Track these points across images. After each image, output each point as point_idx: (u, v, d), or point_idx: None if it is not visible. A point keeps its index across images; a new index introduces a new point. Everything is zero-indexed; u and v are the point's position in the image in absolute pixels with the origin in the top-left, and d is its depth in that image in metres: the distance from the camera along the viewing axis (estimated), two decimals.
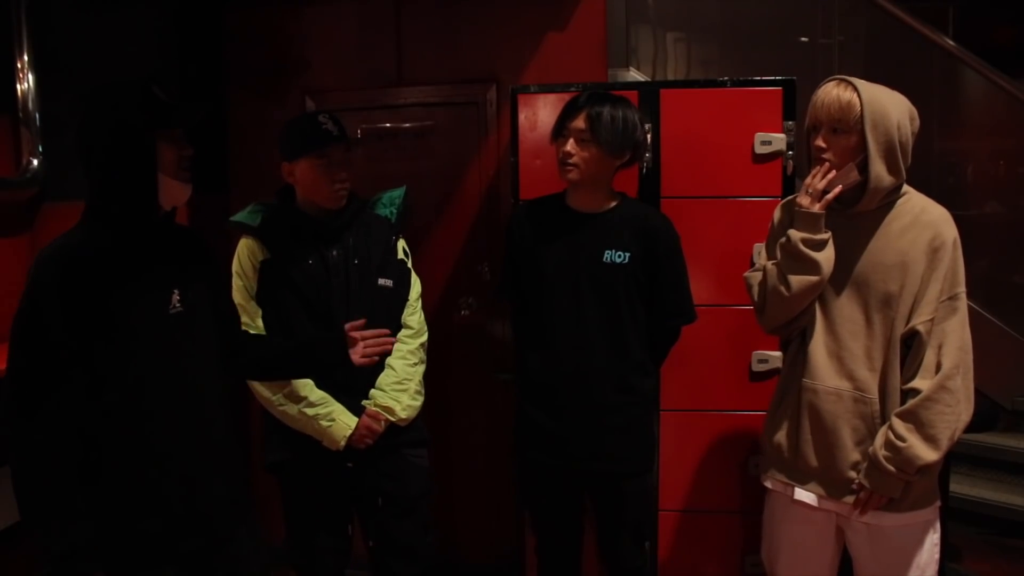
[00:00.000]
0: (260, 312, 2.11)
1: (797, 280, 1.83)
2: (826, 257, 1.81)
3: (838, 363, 1.84)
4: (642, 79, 3.28)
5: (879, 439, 1.78)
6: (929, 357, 1.76)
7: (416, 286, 2.28)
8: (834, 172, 1.80)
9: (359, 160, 2.62)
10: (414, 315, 2.24)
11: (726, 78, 2.42)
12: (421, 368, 2.23)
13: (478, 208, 2.98)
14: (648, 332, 2.13)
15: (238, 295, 2.10)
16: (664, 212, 2.24)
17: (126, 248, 1.60)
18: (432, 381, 2.29)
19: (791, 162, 2.36)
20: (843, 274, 1.84)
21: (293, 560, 2.23)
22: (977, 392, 1.84)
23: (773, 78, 2.39)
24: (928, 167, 3.77)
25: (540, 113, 2.47)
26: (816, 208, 1.81)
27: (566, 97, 2.35)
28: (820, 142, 1.81)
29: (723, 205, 2.41)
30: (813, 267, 1.81)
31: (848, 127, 1.77)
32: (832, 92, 1.79)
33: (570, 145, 2.02)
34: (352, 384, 2.11)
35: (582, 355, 2.08)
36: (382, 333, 1.98)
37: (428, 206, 2.95)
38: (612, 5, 2.93)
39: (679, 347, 2.23)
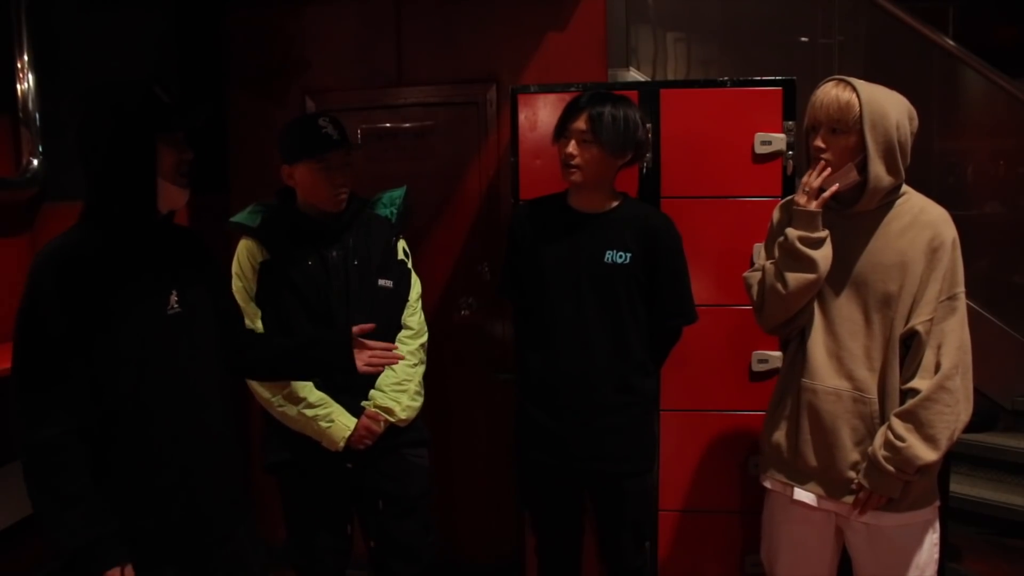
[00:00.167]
0: (260, 313, 2.11)
1: (794, 278, 1.83)
2: (823, 255, 1.81)
3: (837, 363, 1.84)
4: (642, 79, 3.28)
5: (878, 439, 1.78)
6: (928, 357, 1.76)
7: (416, 286, 2.28)
8: (829, 170, 1.81)
9: (359, 160, 2.62)
10: (414, 315, 2.24)
11: (726, 78, 2.42)
12: (421, 369, 2.23)
13: (478, 208, 2.98)
14: (649, 332, 2.13)
15: (237, 296, 2.09)
16: (664, 212, 2.24)
17: (124, 249, 1.60)
18: (432, 381, 2.29)
19: (791, 162, 2.36)
20: (842, 274, 1.85)
21: (293, 560, 2.23)
22: (977, 392, 1.84)
23: (773, 78, 2.39)
24: (928, 167, 3.78)
25: (540, 113, 2.47)
26: (813, 206, 1.81)
27: (566, 97, 2.35)
28: (819, 142, 1.81)
29: (723, 205, 2.41)
30: (810, 265, 1.81)
31: (847, 127, 1.77)
32: (831, 92, 1.79)
33: (572, 146, 2.02)
34: (352, 385, 2.11)
35: (583, 355, 2.08)
36: (389, 347, 1.96)
37: (428, 206, 2.95)
38: (612, 5, 2.93)
39: (679, 347, 2.23)
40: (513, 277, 2.21)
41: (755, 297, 1.97)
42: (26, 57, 2.77)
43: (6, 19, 2.74)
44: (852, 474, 1.82)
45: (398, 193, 2.31)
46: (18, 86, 2.77)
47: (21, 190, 2.81)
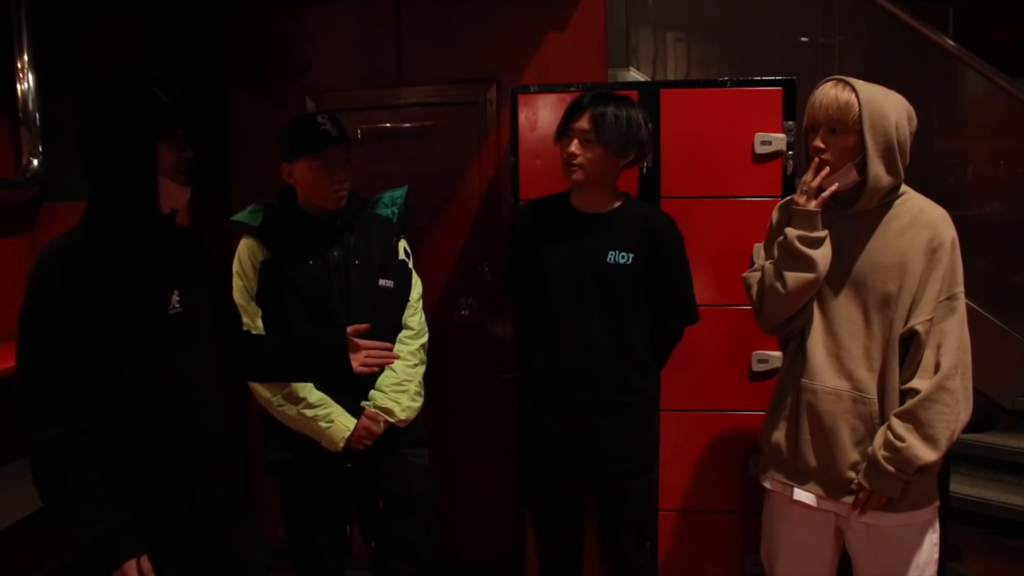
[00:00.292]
0: (260, 312, 2.11)
1: (793, 277, 1.83)
2: (822, 255, 1.81)
3: (837, 363, 1.84)
4: (642, 79, 3.28)
5: (878, 439, 1.78)
6: (928, 357, 1.76)
7: (417, 287, 2.28)
8: (828, 170, 1.81)
9: (359, 160, 2.62)
10: (415, 316, 2.24)
11: (726, 78, 2.42)
12: (421, 369, 2.23)
13: (478, 208, 2.98)
14: (651, 332, 2.13)
15: (238, 295, 2.10)
16: (666, 212, 2.24)
17: (126, 249, 1.60)
18: (432, 381, 2.29)
19: (791, 162, 2.36)
20: (841, 274, 1.85)
21: (293, 560, 2.23)
22: (977, 392, 1.84)
23: (773, 78, 2.39)
24: (928, 167, 3.78)
25: (540, 113, 2.47)
26: (812, 206, 1.81)
27: (566, 97, 2.35)
28: (819, 142, 1.81)
29: (723, 205, 2.41)
30: (809, 264, 1.81)
31: (847, 127, 1.77)
32: (830, 93, 1.79)
33: (574, 146, 2.02)
34: (351, 385, 2.10)
35: (585, 355, 2.08)
36: (385, 346, 1.96)
37: (428, 206, 2.95)
38: (612, 5, 2.93)
39: (679, 347, 2.24)
40: (516, 277, 2.21)
41: (754, 297, 1.97)
42: (26, 57, 2.77)
43: (6, 19, 2.74)
44: (852, 474, 1.82)
45: (399, 193, 2.31)
46: (18, 86, 2.77)
47: (21, 190, 2.82)
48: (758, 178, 2.38)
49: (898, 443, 1.74)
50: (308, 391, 2.09)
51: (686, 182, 2.41)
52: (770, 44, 3.82)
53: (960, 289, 1.78)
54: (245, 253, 2.13)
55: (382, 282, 2.17)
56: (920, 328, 1.76)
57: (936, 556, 1.85)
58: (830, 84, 1.81)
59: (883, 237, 1.82)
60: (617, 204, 2.12)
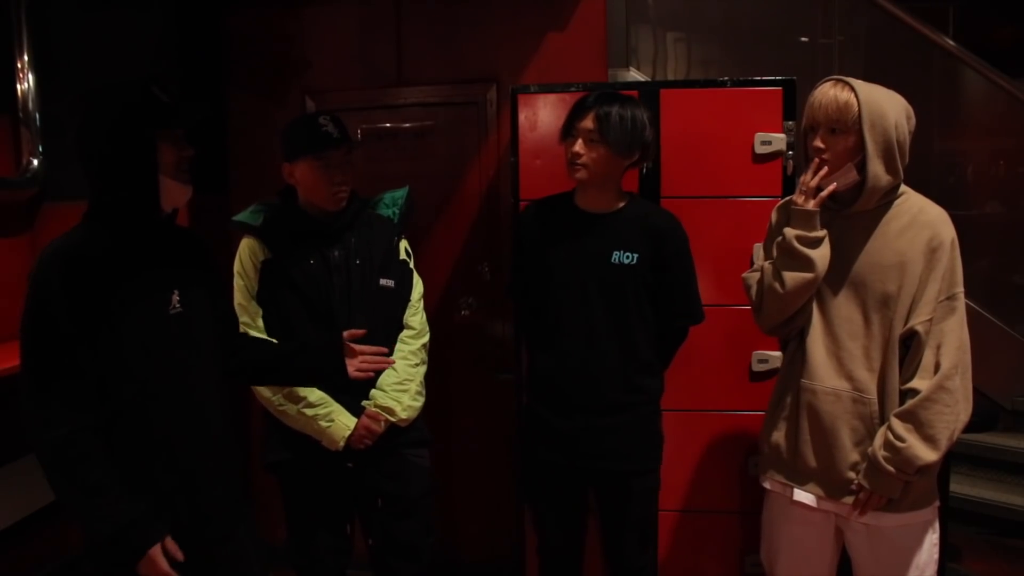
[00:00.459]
0: (261, 312, 2.11)
1: (792, 277, 1.83)
2: (821, 255, 1.81)
3: (837, 363, 1.84)
4: (642, 79, 3.28)
5: (878, 439, 1.78)
6: (928, 357, 1.76)
7: (418, 287, 2.28)
8: (826, 169, 1.81)
9: (359, 160, 2.62)
10: (416, 315, 2.24)
11: (726, 78, 2.42)
12: (422, 369, 2.23)
13: (478, 208, 2.98)
14: (656, 332, 2.13)
15: (239, 295, 2.10)
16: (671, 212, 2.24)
17: (127, 248, 1.60)
18: (432, 381, 2.28)
19: (791, 162, 2.36)
20: (841, 274, 1.85)
21: (293, 560, 2.23)
22: (977, 392, 1.84)
23: (773, 78, 2.39)
24: (928, 167, 3.78)
25: (540, 113, 2.47)
26: (810, 205, 1.81)
27: (566, 97, 2.36)
28: (818, 142, 1.81)
29: (723, 205, 2.41)
30: (807, 264, 1.81)
31: (846, 127, 1.77)
32: (829, 93, 1.79)
33: (579, 145, 2.02)
34: (352, 384, 2.10)
35: (590, 355, 2.08)
36: (381, 351, 1.96)
37: (428, 206, 2.95)
38: (612, 5, 2.93)
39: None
40: (521, 277, 2.22)
41: (754, 298, 1.97)
42: (26, 57, 2.77)
43: (6, 19, 2.74)
44: (852, 475, 1.82)
45: (400, 193, 2.31)
46: (18, 86, 2.78)
47: (21, 190, 2.82)
48: (758, 178, 2.38)
49: (898, 443, 1.74)
50: (308, 390, 2.08)
51: (686, 182, 2.41)
52: (770, 44, 3.82)
53: (960, 289, 1.78)
54: (246, 253, 2.13)
55: (383, 282, 2.17)
56: (920, 328, 1.76)
57: (936, 556, 1.85)
58: (829, 84, 1.81)
59: (882, 237, 1.82)
60: (622, 204, 2.12)
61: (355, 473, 2.15)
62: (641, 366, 2.11)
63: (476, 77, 2.93)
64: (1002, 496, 3.32)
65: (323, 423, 2.07)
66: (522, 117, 2.48)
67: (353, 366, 1.91)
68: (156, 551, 1.54)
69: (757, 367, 2.42)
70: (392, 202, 2.29)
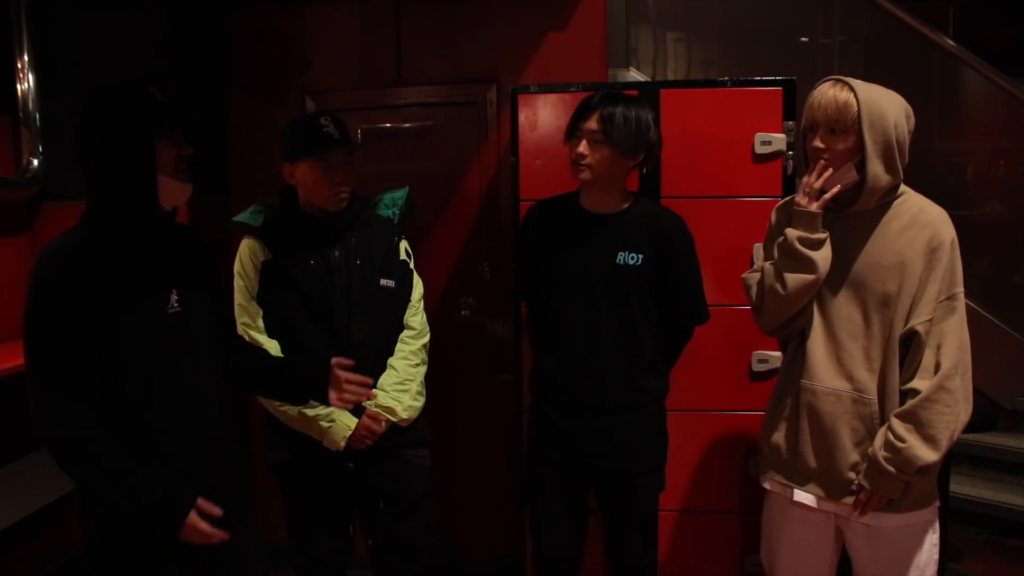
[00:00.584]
0: (261, 312, 2.11)
1: (793, 278, 1.83)
2: (822, 256, 1.81)
3: (837, 364, 1.84)
4: (642, 79, 3.29)
5: (878, 440, 1.78)
6: (928, 357, 1.76)
7: (418, 287, 2.28)
8: (831, 171, 1.81)
9: (359, 160, 2.62)
10: (416, 316, 2.24)
11: (726, 78, 2.42)
12: (423, 369, 2.23)
13: (478, 208, 2.98)
14: (661, 332, 2.13)
15: (239, 295, 2.10)
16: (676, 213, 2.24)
17: (125, 248, 1.60)
18: (432, 381, 2.29)
19: (791, 162, 2.36)
20: (841, 275, 1.84)
21: (293, 560, 2.23)
22: (977, 392, 1.84)
23: (773, 78, 2.39)
24: (928, 167, 3.78)
25: (540, 113, 2.47)
26: (813, 207, 1.81)
27: (566, 97, 2.36)
28: (818, 143, 1.81)
29: (723, 205, 2.41)
30: (809, 266, 1.81)
31: (846, 127, 1.77)
32: (829, 93, 1.78)
33: (583, 146, 2.02)
34: None
35: (595, 355, 2.08)
36: (366, 381, 1.93)
37: (428, 206, 2.95)
38: (612, 5, 2.93)
39: None
40: (526, 278, 2.22)
41: (754, 298, 1.97)
42: (26, 57, 2.77)
43: (6, 19, 2.74)
44: (852, 475, 1.82)
45: (400, 194, 2.31)
46: (18, 86, 2.77)
47: (21, 190, 2.82)
48: (758, 178, 2.38)
49: (898, 443, 1.74)
50: None
51: (686, 182, 2.41)
52: (770, 44, 3.82)
53: (960, 289, 1.78)
54: (246, 253, 2.13)
55: (383, 282, 2.17)
56: (920, 328, 1.76)
57: (936, 556, 1.85)
58: (828, 84, 1.81)
59: (882, 237, 1.81)
60: (626, 205, 2.12)
61: (356, 473, 2.15)
62: (646, 366, 2.11)
63: (476, 77, 2.93)
64: (1002, 496, 3.31)
65: (324, 424, 2.07)
66: (522, 117, 2.48)
67: (335, 395, 1.90)
68: (193, 517, 1.57)
69: (757, 367, 2.42)
70: (392, 202, 2.29)
